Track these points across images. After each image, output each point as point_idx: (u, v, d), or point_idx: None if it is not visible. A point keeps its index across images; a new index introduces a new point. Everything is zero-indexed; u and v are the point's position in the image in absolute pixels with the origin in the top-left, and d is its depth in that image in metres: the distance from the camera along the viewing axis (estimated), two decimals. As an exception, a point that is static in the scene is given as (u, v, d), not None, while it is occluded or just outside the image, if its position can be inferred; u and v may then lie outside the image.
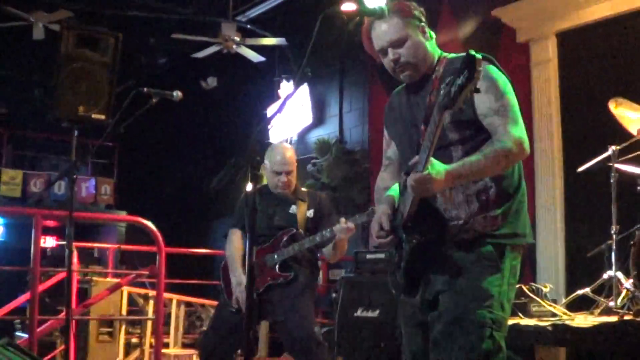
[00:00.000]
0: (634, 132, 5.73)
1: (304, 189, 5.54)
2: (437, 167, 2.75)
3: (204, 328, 9.16)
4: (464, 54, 2.51)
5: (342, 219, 4.95)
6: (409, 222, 2.96)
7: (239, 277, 5.11)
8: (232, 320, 5.09)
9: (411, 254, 3.03)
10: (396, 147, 3.43)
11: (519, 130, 2.96)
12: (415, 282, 3.13)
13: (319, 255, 5.47)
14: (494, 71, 3.07)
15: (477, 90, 2.51)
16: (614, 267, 5.44)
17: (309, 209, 5.30)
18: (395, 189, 3.28)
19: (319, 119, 11.87)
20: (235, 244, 5.31)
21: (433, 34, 3.25)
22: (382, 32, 3.14)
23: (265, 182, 5.43)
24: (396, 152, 3.45)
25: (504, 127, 2.95)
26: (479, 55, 2.46)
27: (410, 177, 2.75)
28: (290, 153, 5.34)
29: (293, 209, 5.28)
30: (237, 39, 11.34)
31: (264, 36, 11.78)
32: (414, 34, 3.15)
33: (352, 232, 4.93)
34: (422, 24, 3.20)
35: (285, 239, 5.12)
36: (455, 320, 2.93)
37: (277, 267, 5.09)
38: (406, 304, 3.25)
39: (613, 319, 4.87)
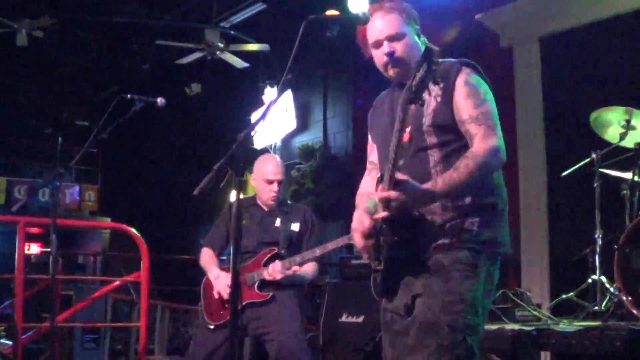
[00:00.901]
0: (617, 137, 5.76)
1: (289, 202, 5.56)
2: (413, 188, 2.79)
3: (189, 333, 9.14)
4: (448, 58, 2.54)
5: (317, 250, 4.98)
6: (386, 226, 2.96)
7: (215, 272, 5.15)
8: (213, 341, 5.05)
9: (389, 258, 3.03)
10: (377, 149, 3.43)
11: (496, 139, 2.97)
12: (394, 287, 3.13)
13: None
14: (476, 78, 3.08)
15: (437, 82, 2.62)
16: (597, 272, 5.46)
17: (293, 222, 5.28)
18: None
19: (303, 125, 11.87)
20: (207, 255, 5.35)
21: (425, 39, 3.27)
22: (382, 25, 3.16)
23: (249, 193, 5.42)
24: (379, 156, 3.45)
25: (480, 136, 2.96)
26: (436, 48, 2.55)
27: (377, 194, 2.79)
28: (280, 162, 5.34)
29: (277, 222, 5.26)
30: (221, 45, 11.34)
31: (248, 42, 11.77)
32: (411, 33, 3.18)
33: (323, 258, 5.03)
34: (418, 27, 3.24)
35: (266, 258, 5.10)
36: (429, 324, 2.92)
37: (256, 286, 5.07)
38: (386, 309, 3.25)
39: (597, 323, 4.89)
